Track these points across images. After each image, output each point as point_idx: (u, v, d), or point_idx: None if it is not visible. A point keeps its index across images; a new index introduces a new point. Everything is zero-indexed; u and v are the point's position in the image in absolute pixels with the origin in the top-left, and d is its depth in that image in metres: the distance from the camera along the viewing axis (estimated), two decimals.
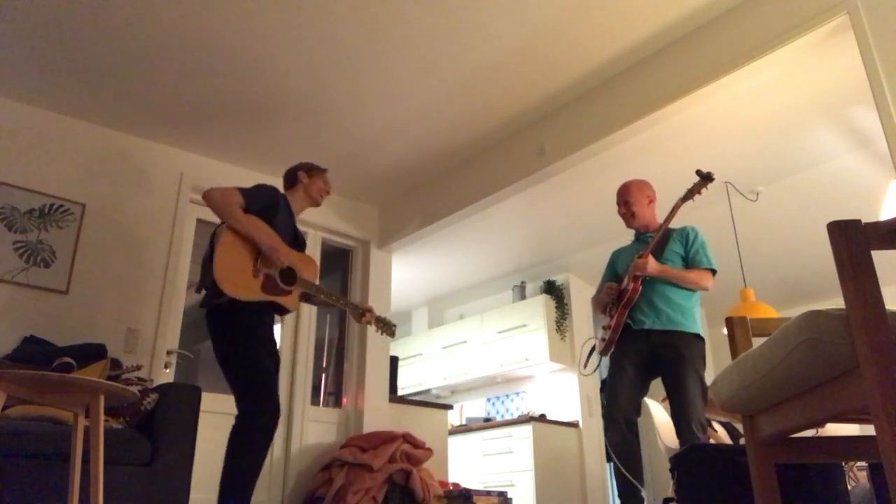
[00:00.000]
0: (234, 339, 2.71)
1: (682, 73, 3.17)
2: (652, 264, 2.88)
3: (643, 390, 2.96)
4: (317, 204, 3.14)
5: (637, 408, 2.92)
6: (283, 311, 2.88)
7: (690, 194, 2.93)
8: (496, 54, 3.31)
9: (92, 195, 3.69)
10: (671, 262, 2.96)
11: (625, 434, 2.85)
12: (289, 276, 2.87)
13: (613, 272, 3.20)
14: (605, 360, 3.06)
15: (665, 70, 3.26)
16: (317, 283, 3.02)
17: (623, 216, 3.15)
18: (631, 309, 2.94)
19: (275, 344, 2.84)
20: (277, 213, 2.90)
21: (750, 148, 3.96)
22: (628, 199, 3.11)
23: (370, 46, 3.24)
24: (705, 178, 2.90)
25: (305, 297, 3.08)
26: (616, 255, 3.25)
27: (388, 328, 3.21)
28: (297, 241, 3.07)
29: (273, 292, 2.79)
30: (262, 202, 2.85)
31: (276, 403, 2.65)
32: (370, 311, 3.11)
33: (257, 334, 2.73)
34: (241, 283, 2.68)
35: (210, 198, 2.73)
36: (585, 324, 5.95)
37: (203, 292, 2.76)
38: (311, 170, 3.13)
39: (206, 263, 2.72)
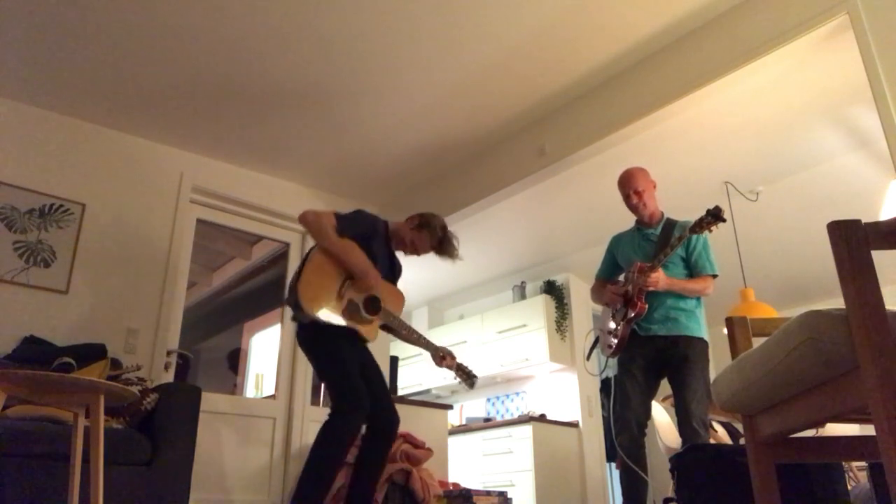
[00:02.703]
0: (318, 356, 2.75)
1: (682, 73, 3.17)
2: (662, 280, 2.81)
3: (652, 394, 2.96)
4: (404, 251, 3.04)
5: (647, 411, 2.92)
6: (361, 340, 2.82)
7: (700, 229, 2.71)
8: (496, 54, 3.31)
9: (92, 195, 3.69)
10: (672, 264, 2.95)
11: (636, 438, 2.85)
12: (374, 305, 2.80)
13: (613, 259, 3.18)
14: (612, 362, 3.06)
15: (665, 70, 3.26)
16: (400, 316, 2.96)
17: (635, 207, 3.03)
18: None
19: (358, 364, 2.78)
20: (373, 240, 2.86)
21: (750, 148, 3.96)
22: (639, 188, 3.00)
23: (370, 47, 3.24)
24: (716, 216, 2.65)
25: (387, 329, 3.04)
26: (615, 242, 3.20)
27: (468, 378, 3.07)
28: (394, 272, 3.03)
29: (353, 319, 2.75)
30: (358, 229, 2.82)
31: (352, 413, 2.62)
32: (451, 356, 3.04)
33: (339, 354, 2.71)
34: (323, 303, 2.67)
35: (304, 219, 2.74)
36: (585, 324, 5.94)
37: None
38: (424, 227, 2.99)
39: (294, 281, 2.72)
